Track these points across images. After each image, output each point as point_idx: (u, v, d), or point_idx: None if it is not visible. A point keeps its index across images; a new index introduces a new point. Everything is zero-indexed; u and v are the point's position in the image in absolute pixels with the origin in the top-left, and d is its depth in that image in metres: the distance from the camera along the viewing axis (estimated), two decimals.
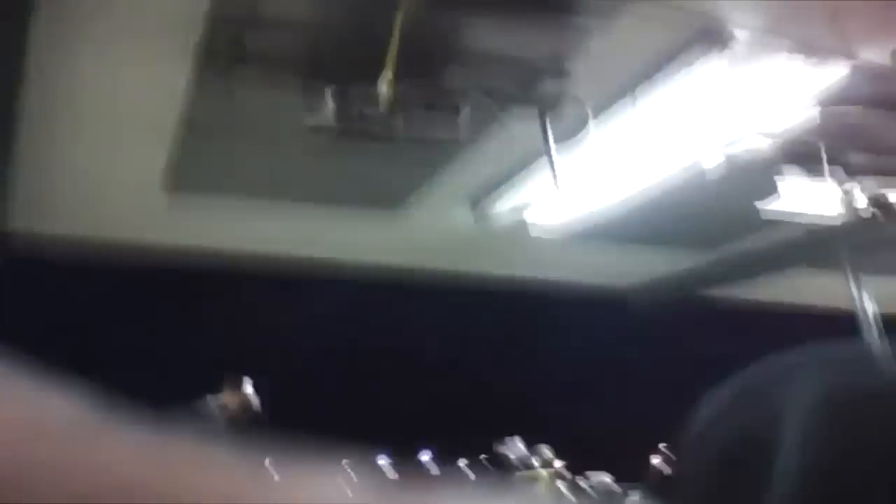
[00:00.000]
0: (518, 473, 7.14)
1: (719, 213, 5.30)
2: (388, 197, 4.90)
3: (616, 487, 7.14)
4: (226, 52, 3.03)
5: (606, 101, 3.70)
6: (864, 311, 6.12)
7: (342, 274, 6.29)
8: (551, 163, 4.11)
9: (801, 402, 0.45)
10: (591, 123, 3.86)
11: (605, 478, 7.24)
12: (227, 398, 6.67)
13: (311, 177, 4.51)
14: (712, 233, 5.90)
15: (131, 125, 3.73)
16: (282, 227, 5.23)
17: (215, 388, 6.75)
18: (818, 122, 3.63)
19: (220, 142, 3.95)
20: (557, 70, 3.48)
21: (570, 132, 3.92)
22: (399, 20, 2.93)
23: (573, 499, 6.97)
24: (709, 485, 0.48)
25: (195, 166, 4.21)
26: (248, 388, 6.78)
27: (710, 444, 0.49)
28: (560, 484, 7.07)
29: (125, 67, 3.21)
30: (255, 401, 6.75)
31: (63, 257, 5.30)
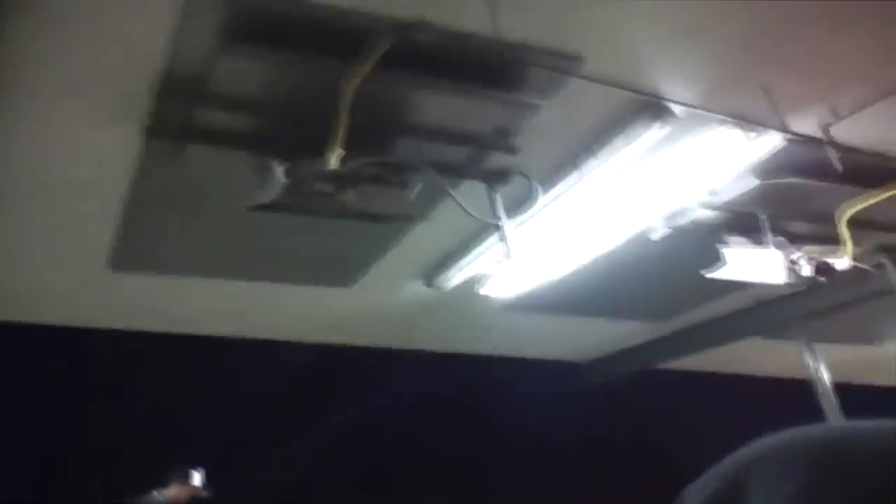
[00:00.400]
0: None
1: (668, 284, 5.39)
2: (340, 273, 4.89)
3: None
4: (174, 127, 3.03)
5: (553, 174, 3.78)
6: (819, 378, 6.20)
7: (294, 352, 6.22)
8: (501, 236, 4.16)
9: (779, 497, 0.46)
10: (539, 196, 3.92)
11: None
12: (175, 490, 6.46)
13: (262, 255, 4.49)
14: (663, 304, 5.98)
15: (75, 203, 3.68)
16: (232, 305, 5.18)
17: (164, 479, 6.55)
18: (758, 191, 3.74)
19: (168, 219, 3.92)
20: (504, 144, 3.54)
21: (519, 205, 3.98)
22: (347, 96, 2.97)
23: None
24: None
25: (141, 244, 4.17)
26: (197, 478, 6.58)
27: None
28: None
29: (68, 143, 3.19)
30: (203, 492, 6.55)
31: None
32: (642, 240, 4.33)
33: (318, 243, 4.40)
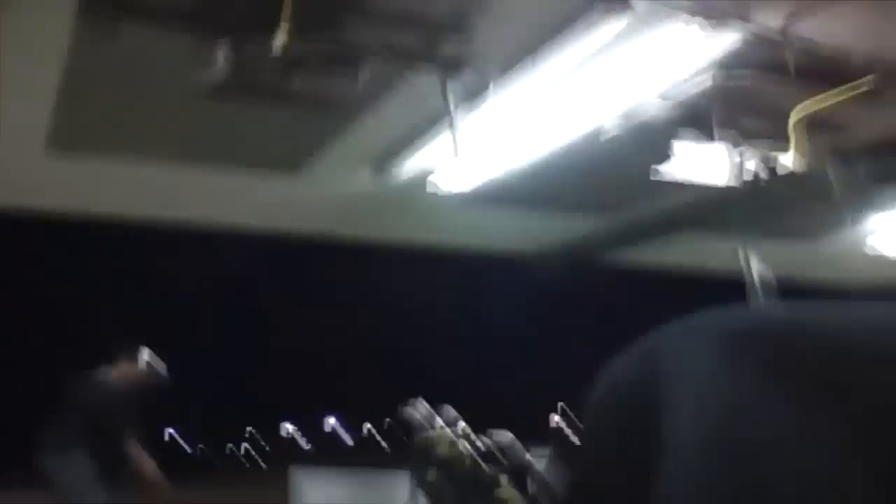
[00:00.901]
0: (421, 435, 7.15)
1: (617, 177, 5.38)
2: (287, 158, 4.77)
3: (518, 444, 7.23)
4: (107, 3, 2.84)
5: (508, 64, 3.68)
6: (752, 275, 6.34)
7: (238, 237, 6.12)
8: (452, 125, 4.07)
9: (693, 370, 0.44)
10: (493, 86, 3.84)
11: (507, 436, 7.31)
12: (122, 368, 6.44)
13: (206, 136, 4.34)
14: (610, 197, 5.99)
15: (8, 82, 3.47)
16: (176, 187, 5.03)
17: (109, 357, 6.51)
18: (713, 86, 3.69)
19: (107, 98, 3.74)
20: (460, 29, 3.42)
21: (473, 94, 3.89)
22: None
23: (474, 455, 7.00)
24: (606, 451, 0.47)
25: (79, 124, 3.98)
26: (145, 356, 6.56)
27: (608, 413, 0.49)
28: (462, 443, 7.11)
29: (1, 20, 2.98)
30: (153, 369, 6.54)
31: None
32: (595, 132, 4.29)
33: (264, 128, 4.26)
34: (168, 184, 4.92)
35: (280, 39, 3.03)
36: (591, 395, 0.51)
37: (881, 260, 7.21)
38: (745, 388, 0.41)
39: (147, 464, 6.24)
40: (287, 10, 2.93)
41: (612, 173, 5.23)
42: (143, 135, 4.19)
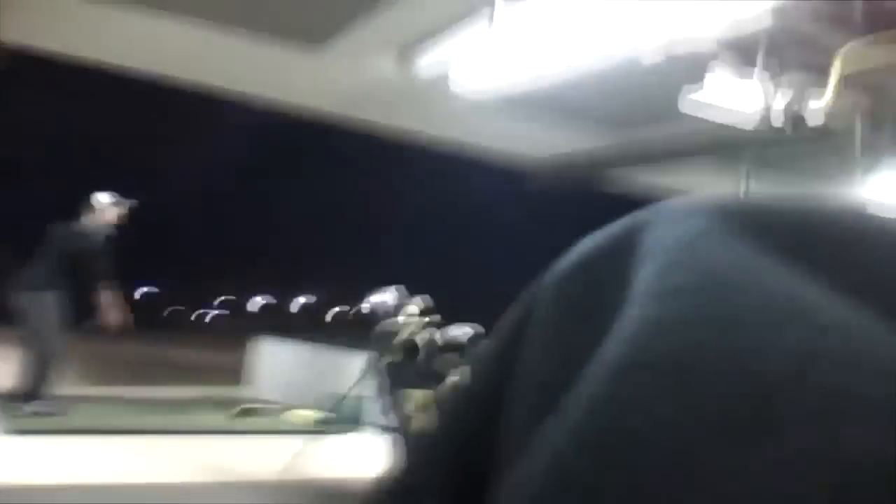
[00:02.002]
0: (386, 320, 7.19)
1: (642, 99, 5.26)
2: (311, 32, 4.60)
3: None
4: None
5: None
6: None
7: (247, 107, 5.98)
8: (489, 19, 3.94)
9: (674, 235, 0.36)
10: None
11: (471, 329, 7.27)
12: (104, 215, 6.40)
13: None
14: (630, 114, 5.88)
15: None
16: (196, 48, 4.86)
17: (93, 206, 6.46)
18: (769, 18, 3.55)
19: None
20: None
21: None
22: None
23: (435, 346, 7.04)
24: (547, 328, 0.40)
25: None
26: (128, 206, 6.51)
27: (562, 288, 0.41)
28: (424, 334, 7.12)
29: None
30: (126, 218, 6.49)
31: None
32: (632, 53, 4.15)
33: None
34: (187, 43, 4.76)
35: None
36: (548, 272, 0.42)
37: None
38: (746, 256, 0.34)
39: (115, 311, 6.34)
40: None
41: (643, 95, 5.12)
42: None
